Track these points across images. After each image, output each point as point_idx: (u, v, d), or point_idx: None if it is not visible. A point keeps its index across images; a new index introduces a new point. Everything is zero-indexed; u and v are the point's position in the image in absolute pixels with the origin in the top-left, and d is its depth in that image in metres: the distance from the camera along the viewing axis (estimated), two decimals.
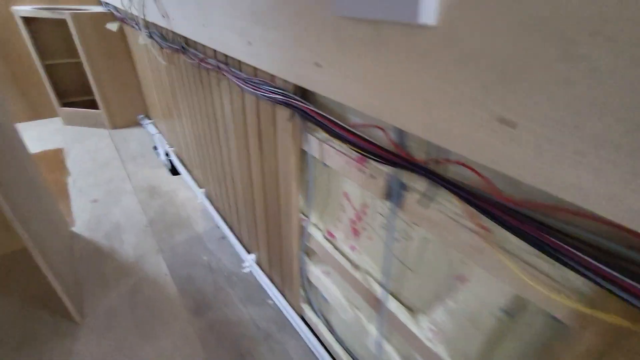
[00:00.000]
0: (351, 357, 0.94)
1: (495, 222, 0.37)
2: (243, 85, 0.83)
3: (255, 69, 0.78)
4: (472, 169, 0.39)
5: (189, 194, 1.80)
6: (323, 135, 0.68)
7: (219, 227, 1.56)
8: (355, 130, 0.56)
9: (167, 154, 2.09)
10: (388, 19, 0.33)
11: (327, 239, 0.84)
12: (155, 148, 2.24)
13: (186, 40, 1.14)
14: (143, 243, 1.45)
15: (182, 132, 1.71)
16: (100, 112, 2.47)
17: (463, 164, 0.40)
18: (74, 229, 1.52)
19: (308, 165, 0.79)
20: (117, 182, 1.86)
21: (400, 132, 0.48)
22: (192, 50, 1.09)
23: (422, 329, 0.61)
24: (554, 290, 0.36)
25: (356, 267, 0.76)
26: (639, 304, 0.27)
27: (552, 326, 0.41)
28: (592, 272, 0.30)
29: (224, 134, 1.15)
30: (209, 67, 0.99)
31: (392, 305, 0.66)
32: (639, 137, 0.22)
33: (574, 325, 0.36)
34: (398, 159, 0.47)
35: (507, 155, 0.30)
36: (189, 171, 1.87)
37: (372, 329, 0.78)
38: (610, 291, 0.29)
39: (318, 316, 1.05)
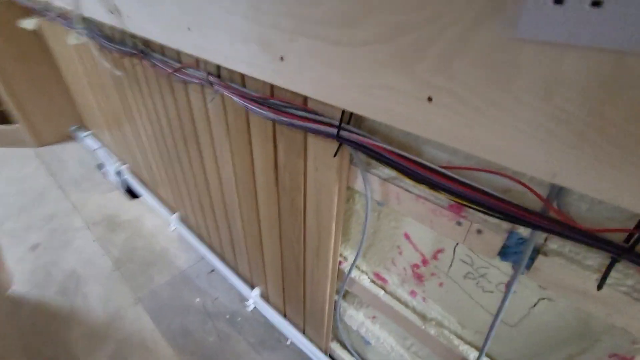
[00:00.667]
0: None
1: None
2: (252, 106, 0.63)
3: (272, 86, 0.60)
4: None
5: (158, 221, 1.53)
6: (387, 172, 0.53)
7: (204, 259, 1.34)
8: (457, 175, 0.42)
9: (119, 173, 1.76)
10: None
11: (375, 284, 0.71)
12: (100, 167, 1.87)
13: (146, 42, 0.88)
14: (114, 293, 1.19)
15: (139, 146, 1.42)
16: (18, 127, 2.00)
17: None
18: (14, 289, 1.19)
19: (356, 204, 0.64)
20: (62, 218, 1.51)
21: (557, 188, 0.35)
22: (159, 57, 0.85)
23: None
24: None
25: (423, 317, 0.65)
26: None
27: None
28: None
29: (211, 155, 0.93)
30: (190, 79, 0.77)
31: None
32: None
33: None
34: (554, 224, 0.35)
35: None
36: (153, 192, 1.58)
37: None
38: None
39: (353, 355, 0.93)
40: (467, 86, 0.30)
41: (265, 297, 1.14)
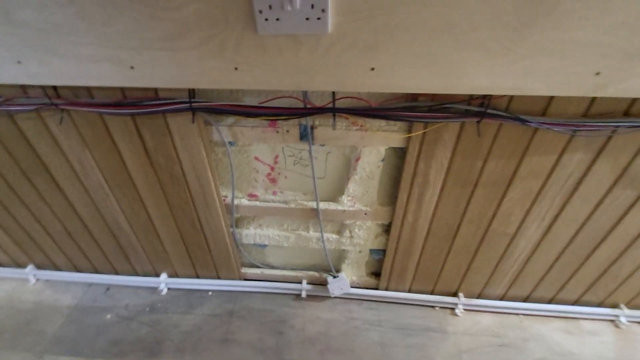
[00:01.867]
0: (301, 270, 1.28)
1: (371, 117, 0.78)
2: (109, 110, 0.82)
3: (122, 89, 0.80)
4: (358, 98, 0.77)
5: (7, 285, 1.35)
6: (230, 120, 0.86)
7: (92, 285, 1.34)
8: (269, 104, 0.80)
9: None
10: (305, 33, 0.61)
11: (251, 201, 1.06)
12: None
13: None
14: None
15: None
16: None
17: (351, 96, 0.77)
18: None
19: (218, 155, 0.95)
20: None
21: (306, 93, 0.78)
22: None
23: (344, 204, 1.02)
24: (399, 134, 0.82)
25: (285, 202, 1.06)
26: (419, 122, 0.75)
27: (399, 153, 0.90)
28: (410, 119, 0.76)
29: (69, 174, 1.00)
30: (20, 108, 0.84)
31: (322, 206, 1.03)
32: None
33: (408, 146, 0.84)
34: (313, 109, 0.78)
35: (367, 84, 0.68)
36: None
37: (311, 233, 1.13)
38: (410, 123, 0.76)
39: (259, 266, 1.28)
40: (251, 58, 0.67)
41: (174, 275, 1.31)
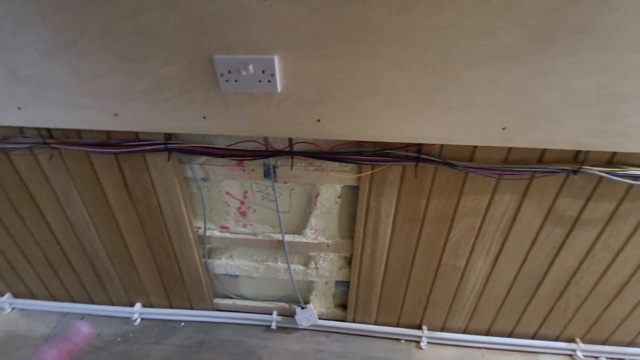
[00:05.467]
0: (271, 302, 1.33)
1: (324, 160, 0.89)
2: (94, 149, 0.93)
3: (107, 132, 0.92)
4: (312, 143, 0.88)
5: None
6: (202, 159, 0.97)
7: (68, 314, 1.37)
8: (236, 147, 0.92)
9: None
10: (259, 91, 0.74)
11: (222, 232, 1.14)
12: None
13: None
14: None
15: None
16: None
17: (307, 142, 0.88)
18: None
19: (192, 189, 1.05)
20: None
21: (267, 138, 0.90)
22: None
23: (308, 236, 1.10)
24: (350, 174, 0.93)
25: (254, 234, 1.14)
26: (366, 164, 0.87)
27: (353, 190, 1.00)
28: (357, 161, 0.87)
29: (54, 205, 1.09)
30: (16, 146, 0.95)
31: (287, 238, 1.11)
32: None
33: (360, 184, 0.94)
34: (273, 152, 0.89)
35: (315, 132, 0.80)
36: None
37: (279, 264, 1.20)
38: (358, 165, 0.87)
39: (232, 297, 1.33)
40: (216, 110, 0.79)
41: (148, 305, 1.35)
